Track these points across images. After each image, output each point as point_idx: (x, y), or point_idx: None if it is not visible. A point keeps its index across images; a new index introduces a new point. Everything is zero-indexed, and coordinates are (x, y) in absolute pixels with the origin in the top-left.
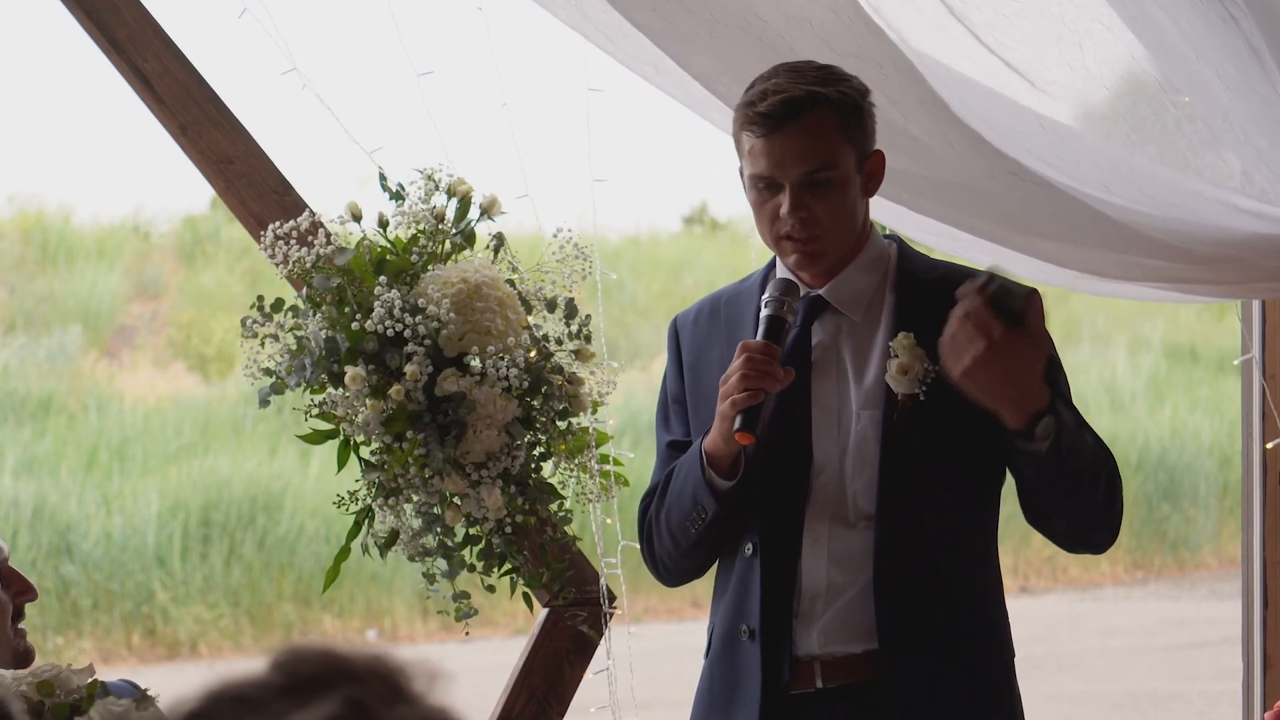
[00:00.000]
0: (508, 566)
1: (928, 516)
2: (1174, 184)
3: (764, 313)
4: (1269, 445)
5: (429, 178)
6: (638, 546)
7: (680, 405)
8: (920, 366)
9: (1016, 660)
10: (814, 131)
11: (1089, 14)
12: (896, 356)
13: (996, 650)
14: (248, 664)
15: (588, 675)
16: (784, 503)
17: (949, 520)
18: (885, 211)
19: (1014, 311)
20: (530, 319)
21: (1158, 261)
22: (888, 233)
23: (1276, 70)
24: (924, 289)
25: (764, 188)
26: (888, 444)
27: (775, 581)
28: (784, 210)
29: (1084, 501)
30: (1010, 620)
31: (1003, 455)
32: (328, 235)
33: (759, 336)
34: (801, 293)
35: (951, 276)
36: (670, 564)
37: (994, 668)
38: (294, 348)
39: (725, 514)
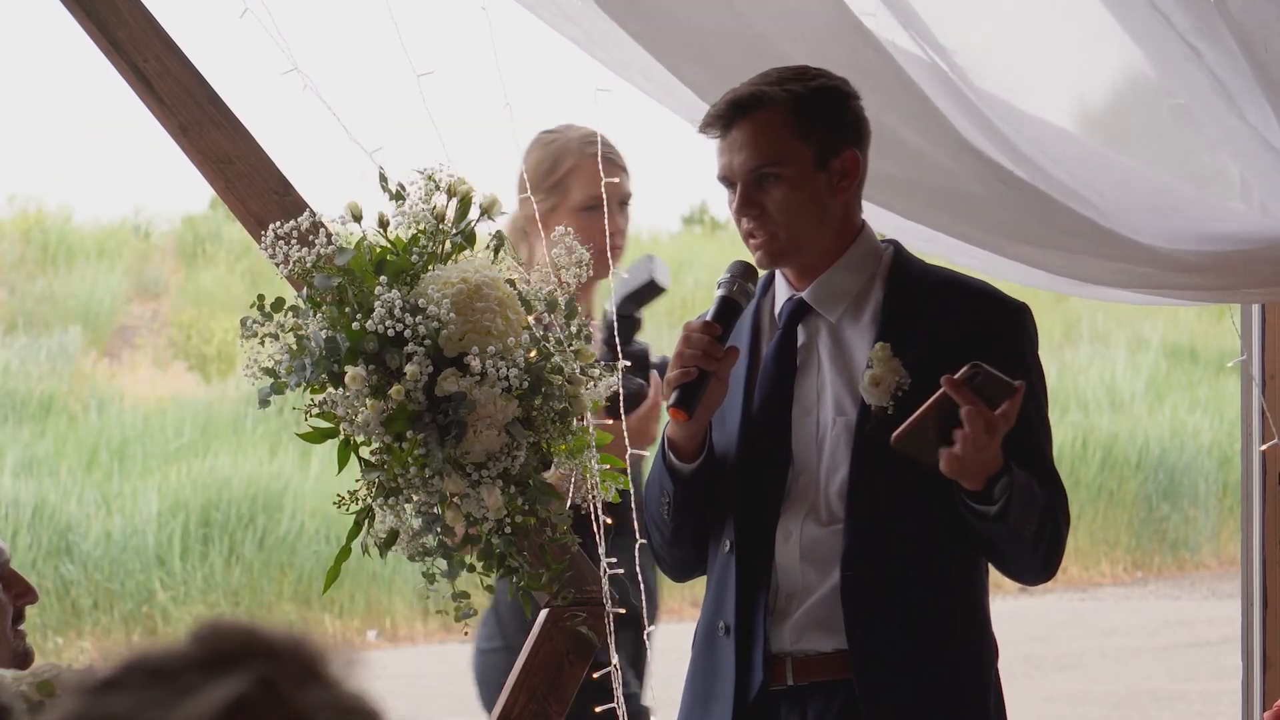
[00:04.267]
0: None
1: (898, 521)
2: (1169, 187)
3: (716, 293)
4: (1264, 448)
5: (429, 178)
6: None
7: None
8: (893, 379)
9: (1017, 660)
10: (759, 129)
11: (1090, 22)
12: (871, 366)
13: (975, 654)
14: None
15: (591, 676)
16: (762, 501)
17: (921, 525)
18: (876, 218)
19: (997, 399)
20: (530, 319)
21: (1148, 269)
22: (885, 237)
23: (1244, 100)
24: (916, 296)
25: (727, 188)
26: (858, 451)
27: (750, 578)
28: (734, 207)
29: (1023, 556)
30: (996, 624)
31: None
32: (328, 235)
33: (709, 316)
34: (789, 294)
35: (945, 286)
36: (664, 555)
37: (971, 671)
38: (294, 348)
39: (689, 497)
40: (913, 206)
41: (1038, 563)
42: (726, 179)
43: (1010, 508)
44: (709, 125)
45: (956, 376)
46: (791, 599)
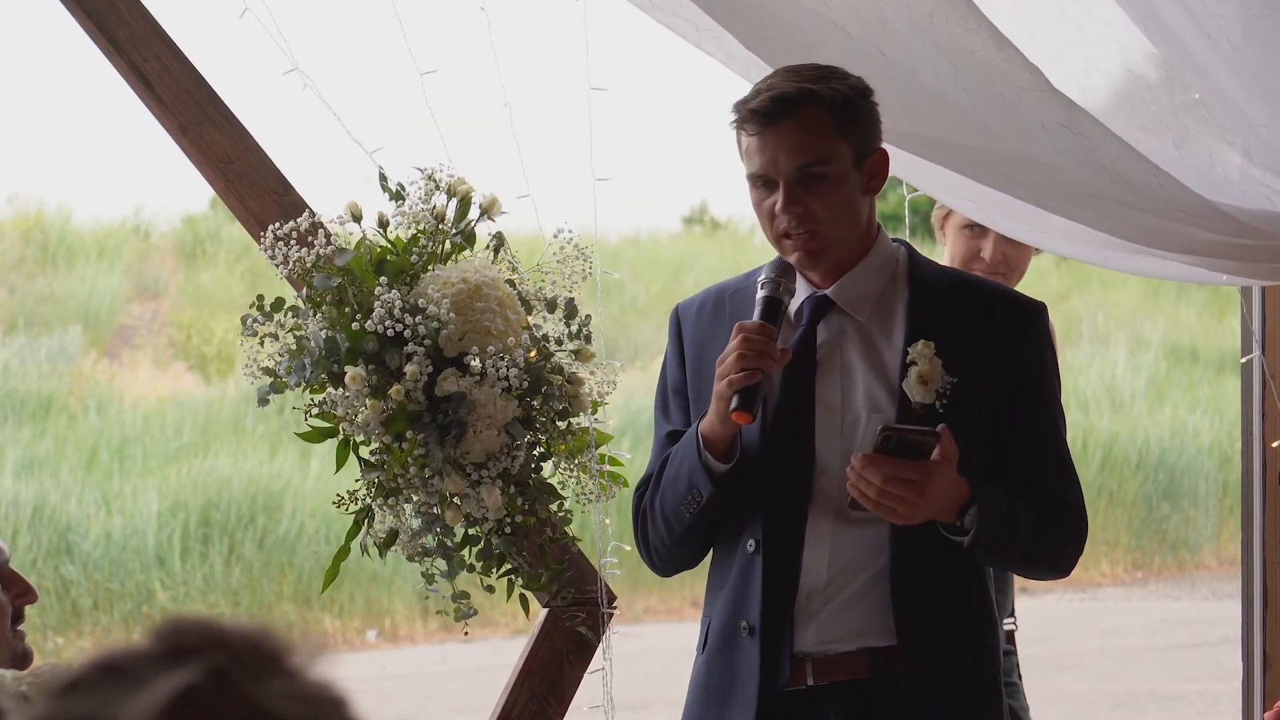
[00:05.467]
0: (507, 567)
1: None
2: (1219, 156)
3: (760, 293)
4: (1277, 444)
5: (429, 178)
6: (628, 548)
7: (680, 395)
8: (940, 378)
9: (1015, 661)
10: (806, 127)
11: (1096, 12)
12: (915, 364)
13: (996, 646)
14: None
15: (585, 675)
16: (787, 501)
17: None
18: (920, 174)
19: (926, 448)
20: (530, 319)
21: (1197, 230)
22: (895, 237)
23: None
24: (939, 295)
25: (761, 186)
26: None
27: (777, 579)
28: (778, 206)
29: (1014, 564)
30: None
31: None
32: (328, 235)
33: (755, 317)
34: (809, 291)
35: (964, 286)
36: (663, 551)
37: (992, 663)
38: (294, 348)
39: (720, 499)
40: (966, 165)
41: (1039, 569)
42: (765, 176)
43: (981, 537)
44: (747, 121)
45: (873, 449)
46: (813, 599)
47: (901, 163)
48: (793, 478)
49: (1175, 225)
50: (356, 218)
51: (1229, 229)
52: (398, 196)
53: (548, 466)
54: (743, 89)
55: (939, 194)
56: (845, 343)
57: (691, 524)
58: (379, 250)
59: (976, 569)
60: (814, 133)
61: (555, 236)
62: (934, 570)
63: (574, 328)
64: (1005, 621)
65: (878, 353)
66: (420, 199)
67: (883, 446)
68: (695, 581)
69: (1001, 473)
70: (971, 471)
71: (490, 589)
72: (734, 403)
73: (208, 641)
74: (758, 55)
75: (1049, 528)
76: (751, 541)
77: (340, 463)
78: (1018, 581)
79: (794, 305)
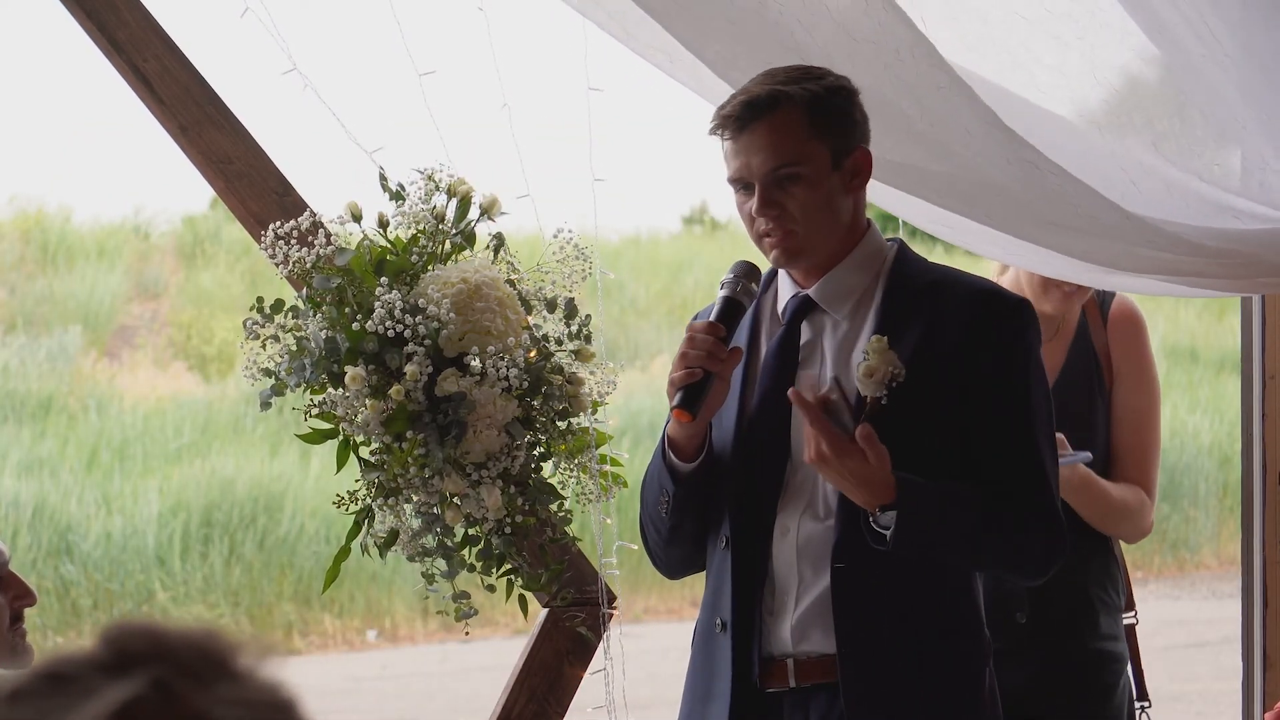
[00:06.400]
0: (507, 567)
1: None
2: (1177, 180)
3: (719, 293)
4: None
5: (429, 178)
6: (634, 547)
7: None
8: (886, 370)
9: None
10: (777, 129)
11: (1092, 11)
12: (866, 358)
13: (966, 651)
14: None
15: (586, 675)
16: (759, 495)
17: None
18: (895, 200)
19: (843, 425)
20: (530, 319)
21: (1169, 255)
22: (891, 236)
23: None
24: (914, 293)
25: (740, 189)
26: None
27: (746, 574)
28: (754, 208)
29: (962, 560)
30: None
31: (964, 465)
32: (328, 235)
33: (712, 317)
34: (794, 291)
35: (945, 283)
36: (660, 553)
37: (961, 669)
38: (294, 349)
39: (687, 497)
40: (934, 194)
41: (1001, 568)
42: (742, 180)
43: (899, 543)
44: (722, 126)
45: (820, 395)
46: (787, 597)
47: (874, 188)
48: (766, 474)
49: (1146, 250)
50: (356, 218)
51: (1202, 251)
52: (398, 197)
53: (548, 466)
54: None
55: (911, 217)
56: (824, 341)
57: (672, 524)
58: (379, 250)
59: (951, 572)
60: (785, 134)
61: (555, 236)
62: (882, 570)
63: (574, 328)
64: (1125, 616)
65: (851, 349)
66: (420, 199)
67: (826, 399)
68: (695, 581)
69: (969, 468)
70: (913, 465)
71: (491, 588)
72: (675, 400)
73: (152, 648)
74: (728, 84)
75: (1003, 525)
76: (724, 537)
77: (340, 463)
78: None
79: (780, 304)
